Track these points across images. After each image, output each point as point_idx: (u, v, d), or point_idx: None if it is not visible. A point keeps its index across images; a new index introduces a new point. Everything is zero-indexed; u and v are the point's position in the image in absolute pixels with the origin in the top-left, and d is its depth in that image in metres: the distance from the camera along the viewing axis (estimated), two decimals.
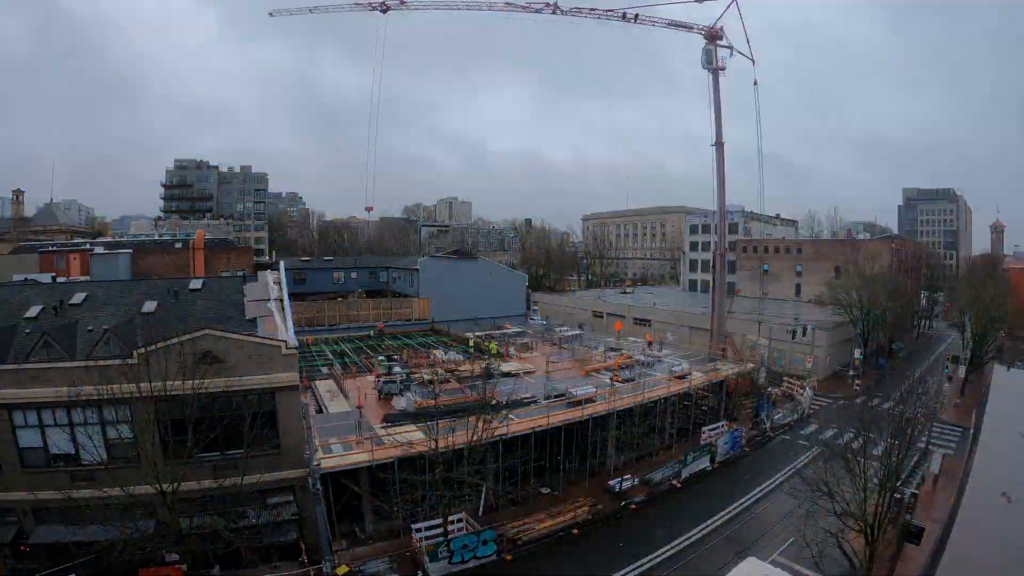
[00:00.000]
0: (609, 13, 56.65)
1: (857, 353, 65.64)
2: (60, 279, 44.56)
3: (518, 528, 29.05)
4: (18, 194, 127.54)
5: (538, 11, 57.74)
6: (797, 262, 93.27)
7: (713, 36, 58.28)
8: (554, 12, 57.29)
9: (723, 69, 57.72)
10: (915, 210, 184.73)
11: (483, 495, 29.91)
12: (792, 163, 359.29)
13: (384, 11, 62.66)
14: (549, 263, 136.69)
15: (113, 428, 23.16)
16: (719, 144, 59.18)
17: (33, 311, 29.87)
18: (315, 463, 25.45)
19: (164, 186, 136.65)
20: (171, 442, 22.74)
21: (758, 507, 33.04)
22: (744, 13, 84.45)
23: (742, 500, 33.60)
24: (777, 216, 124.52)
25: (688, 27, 58.32)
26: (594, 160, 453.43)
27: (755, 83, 61.40)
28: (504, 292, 79.97)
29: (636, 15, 56.95)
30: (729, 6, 57.03)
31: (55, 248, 74.26)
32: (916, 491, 33.09)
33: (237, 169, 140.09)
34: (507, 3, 57.99)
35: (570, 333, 59.98)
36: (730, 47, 59.14)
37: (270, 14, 70.57)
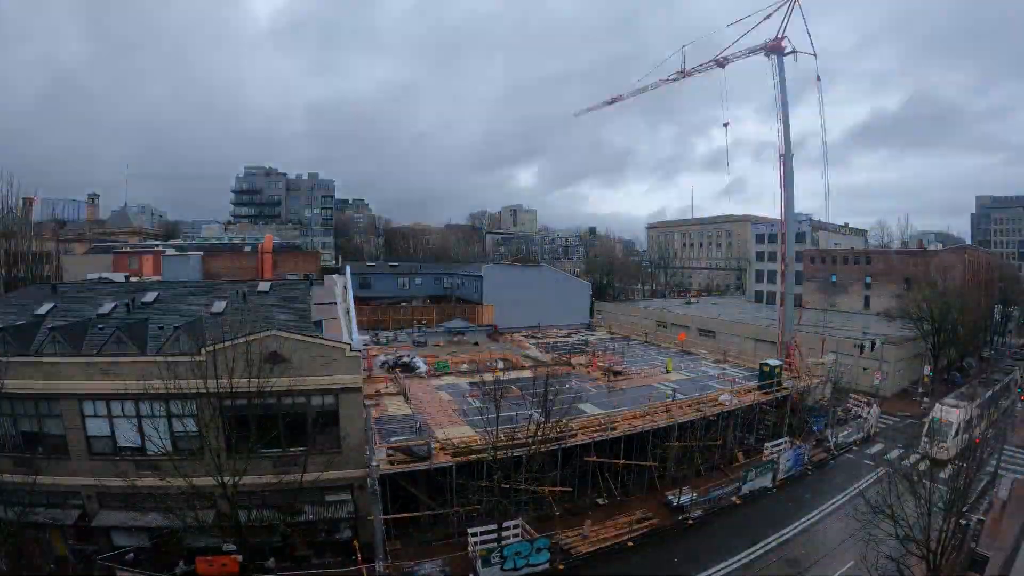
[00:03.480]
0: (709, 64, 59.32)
1: (927, 370, 62.45)
2: (133, 278, 46.45)
3: (573, 537, 28.64)
4: (94, 197, 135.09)
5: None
6: (866, 273, 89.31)
7: (775, 48, 56.60)
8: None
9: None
10: (988, 219, 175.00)
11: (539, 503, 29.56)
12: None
13: None
14: (613, 272, 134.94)
15: (179, 421, 23.94)
16: (787, 155, 57.38)
17: (106, 308, 31.21)
18: (374, 463, 25.65)
19: (234, 192, 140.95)
20: (234, 437, 23.32)
21: (818, 527, 31.62)
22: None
23: (802, 519, 32.23)
24: (845, 225, 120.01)
25: (753, 51, 57.22)
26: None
27: (818, 79, 58.62)
28: (568, 300, 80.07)
29: (726, 58, 58.45)
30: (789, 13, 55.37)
31: (128, 249, 77.52)
32: (983, 517, 31.18)
33: (305, 176, 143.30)
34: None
35: None
36: (794, 52, 57.34)
37: None
